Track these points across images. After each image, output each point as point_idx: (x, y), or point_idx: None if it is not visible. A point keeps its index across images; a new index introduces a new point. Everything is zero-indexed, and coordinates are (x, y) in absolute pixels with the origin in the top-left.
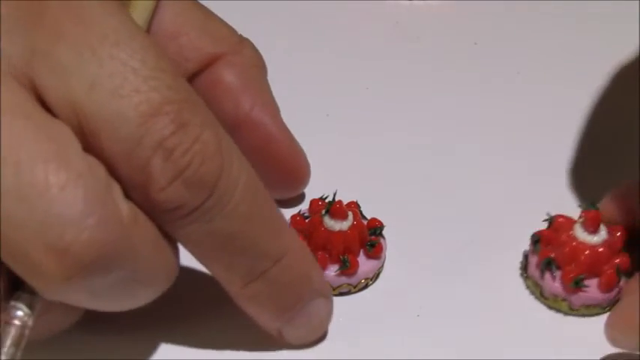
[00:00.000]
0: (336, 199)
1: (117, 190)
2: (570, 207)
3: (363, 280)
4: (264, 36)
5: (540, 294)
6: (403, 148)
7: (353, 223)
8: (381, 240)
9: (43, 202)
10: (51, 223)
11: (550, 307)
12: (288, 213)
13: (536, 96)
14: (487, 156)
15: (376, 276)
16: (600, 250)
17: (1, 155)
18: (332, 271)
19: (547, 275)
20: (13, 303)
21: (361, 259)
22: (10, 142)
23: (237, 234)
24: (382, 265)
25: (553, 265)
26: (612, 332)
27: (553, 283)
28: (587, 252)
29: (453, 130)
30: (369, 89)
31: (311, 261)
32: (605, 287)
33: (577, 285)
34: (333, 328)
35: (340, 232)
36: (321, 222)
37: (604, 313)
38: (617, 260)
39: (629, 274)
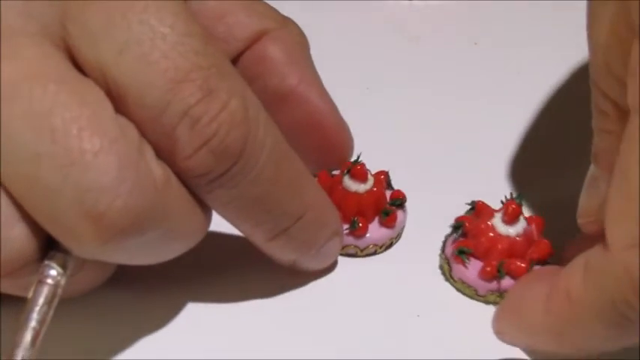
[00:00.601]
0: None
1: (149, 152)
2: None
3: (371, 246)
4: None
5: (450, 275)
6: (402, 150)
7: (372, 189)
8: (399, 212)
9: (77, 170)
10: (86, 190)
11: (457, 290)
12: None
13: (536, 96)
14: (486, 156)
15: (388, 246)
16: (517, 241)
17: (36, 122)
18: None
19: (460, 261)
20: (47, 262)
21: (373, 225)
22: (45, 108)
23: (262, 197)
24: (397, 237)
25: (465, 253)
26: (498, 325)
27: (464, 270)
28: (503, 243)
29: (452, 131)
30: (368, 89)
31: (331, 210)
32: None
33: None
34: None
35: (356, 193)
36: (341, 181)
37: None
38: (533, 253)
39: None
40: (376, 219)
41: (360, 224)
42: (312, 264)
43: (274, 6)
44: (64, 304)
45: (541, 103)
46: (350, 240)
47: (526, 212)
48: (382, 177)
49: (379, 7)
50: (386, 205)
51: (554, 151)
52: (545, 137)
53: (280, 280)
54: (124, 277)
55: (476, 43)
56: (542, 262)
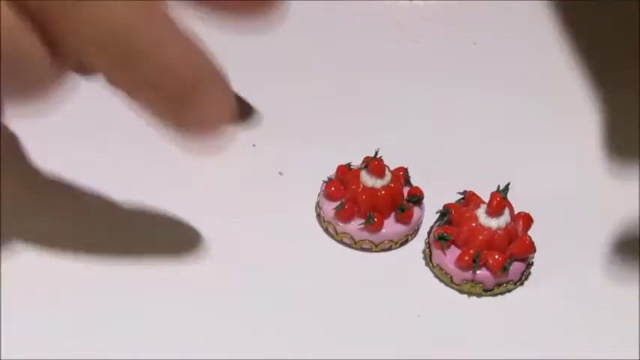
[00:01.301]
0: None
1: None
2: None
3: (386, 242)
4: (265, 37)
5: (430, 260)
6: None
7: (389, 185)
8: (416, 208)
9: None
10: None
11: (435, 276)
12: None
13: (536, 96)
14: (486, 155)
15: (403, 242)
16: (497, 234)
17: None
18: (357, 224)
19: (439, 246)
20: None
21: (389, 221)
22: None
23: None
24: (414, 233)
25: (445, 240)
26: None
27: (443, 256)
28: (483, 234)
29: (452, 130)
30: (369, 89)
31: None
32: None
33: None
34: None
35: (372, 188)
36: (358, 175)
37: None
38: (513, 249)
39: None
40: (392, 215)
41: (376, 219)
42: (193, 124)
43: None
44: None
45: (541, 102)
46: (365, 235)
47: (520, 207)
48: (401, 173)
49: (379, 7)
50: (403, 201)
51: (554, 147)
52: (545, 135)
53: (282, 269)
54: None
55: (475, 43)
56: (522, 258)
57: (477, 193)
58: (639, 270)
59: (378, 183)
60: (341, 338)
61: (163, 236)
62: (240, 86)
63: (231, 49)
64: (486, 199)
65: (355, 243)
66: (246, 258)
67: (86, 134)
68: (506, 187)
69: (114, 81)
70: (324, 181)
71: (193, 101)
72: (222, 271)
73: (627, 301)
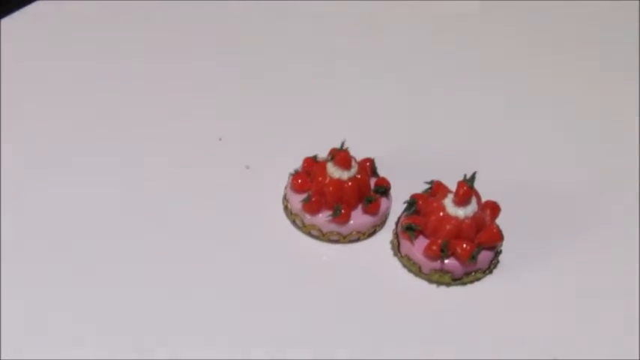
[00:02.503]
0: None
1: None
2: None
3: (354, 233)
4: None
5: (398, 250)
6: (366, 140)
7: (355, 176)
8: (383, 199)
9: None
10: None
11: (403, 266)
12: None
13: (501, 86)
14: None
15: (371, 233)
16: (465, 223)
17: None
18: (324, 216)
19: (407, 236)
20: None
21: (357, 212)
22: None
23: None
24: (381, 224)
25: (413, 230)
26: None
27: (411, 246)
28: (451, 223)
29: (418, 120)
30: (335, 81)
31: None
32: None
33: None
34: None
35: (339, 180)
36: (325, 167)
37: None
38: (481, 237)
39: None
40: (360, 206)
41: (343, 211)
42: None
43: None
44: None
45: (508, 89)
46: (333, 226)
47: (488, 196)
48: (367, 164)
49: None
50: (370, 192)
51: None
52: (513, 122)
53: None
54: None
55: (451, 38)
56: (490, 247)
57: (444, 182)
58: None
59: (344, 174)
60: (311, 329)
61: (129, 231)
62: (207, 80)
63: (195, 39)
64: (453, 188)
65: (323, 235)
66: (213, 252)
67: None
68: (473, 176)
69: None
70: (291, 174)
71: None
72: (189, 266)
73: (594, 287)
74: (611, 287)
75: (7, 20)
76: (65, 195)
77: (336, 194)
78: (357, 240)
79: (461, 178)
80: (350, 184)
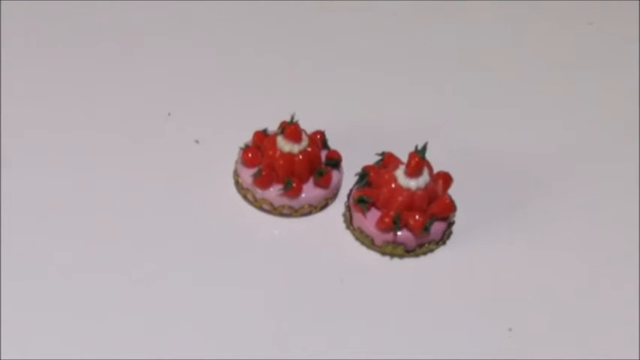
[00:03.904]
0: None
1: None
2: None
3: (306, 206)
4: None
5: (350, 223)
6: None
7: (306, 149)
8: (334, 172)
9: None
10: None
11: (356, 239)
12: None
13: (456, 54)
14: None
15: (323, 206)
16: (417, 194)
17: None
18: (276, 190)
19: (359, 209)
20: None
21: (308, 185)
22: None
23: None
24: (333, 197)
25: (365, 202)
26: None
27: (363, 219)
28: (403, 195)
29: (369, 91)
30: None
31: None
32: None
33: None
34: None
35: (290, 153)
36: (275, 141)
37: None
38: (434, 208)
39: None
40: (311, 179)
41: (294, 184)
42: None
43: None
44: None
45: (461, 59)
46: (284, 201)
47: (440, 167)
48: (318, 137)
49: None
50: (321, 165)
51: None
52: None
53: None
54: None
55: (395, 14)
56: (442, 218)
57: (395, 154)
58: None
59: (295, 148)
60: (264, 304)
61: (77, 208)
62: (156, 55)
63: (144, 14)
64: (405, 159)
65: (275, 209)
66: (163, 227)
67: None
68: (424, 147)
69: None
70: (241, 148)
71: None
72: (138, 241)
73: (547, 257)
74: (563, 255)
75: None
76: (15, 174)
77: (286, 168)
78: (309, 213)
79: (412, 149)
80: (301, 157)
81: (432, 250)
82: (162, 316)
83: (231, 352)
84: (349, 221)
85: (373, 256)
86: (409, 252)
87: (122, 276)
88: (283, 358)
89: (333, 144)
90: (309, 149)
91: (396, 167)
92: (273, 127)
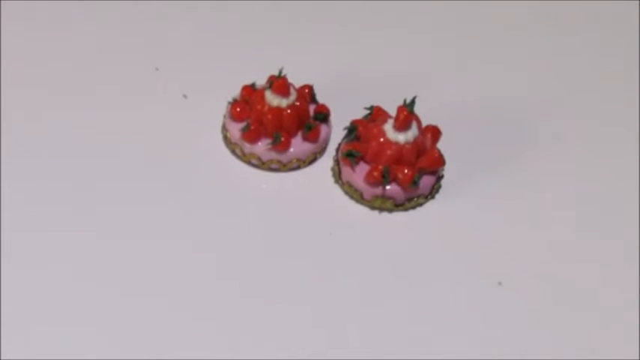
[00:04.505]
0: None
1: None
2: None
3: (295, 161)
4: None
5: (339, 177)
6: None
7: (294, 103)
8: (323, 126)
9: None
10: None
11: (345, 193)
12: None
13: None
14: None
15: (311, 160)
16: (405, 148)
17: None
18: (264, 144)
19: (347, 163)
20: None
21: (296, 139)
22: None
23: None
24: (322, 151)
25: (353, 156)
26: None
27: (352, 173)
28: (392, 149)
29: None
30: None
31: None
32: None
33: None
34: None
35: (278, 108)
36: (263, 95)
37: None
38: (422, 162)
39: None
40: (299, 133)
41: (283, 139)
42: None
43: None
44: None
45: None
46: (272, 155)
47: (428, 120)
48: (306, 91)
49: None
50: (309, 119)
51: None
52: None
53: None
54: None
55: None
56: (431, 171)
57: (384, 107)
58: None
59: (283, 102)
60: (252, 259)
61: (67, 166)
62: (143, 9)
63: None
64: (393, 113)
65: (263, 164)
66: (152, 183)
67: None
68: (413, 101)
69: None
70: (229, 102)
71: None
72: (130, 198)
73: (537, 210)
74: (553, 209)
75: None
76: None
77: (275, 122)
78: (298, 168)
79: (401, 103)
80: (289, 111)
81: (420, 204)
82: (147, 269)
83: (220, 303)
84: (338, 175)
85: (362, 210)
86: (398, 206)
87: (109, 231)
88: (269, 312)
89: (321, 98)
90: (298, 103)
91: (384, 121)
92: (261, 81)
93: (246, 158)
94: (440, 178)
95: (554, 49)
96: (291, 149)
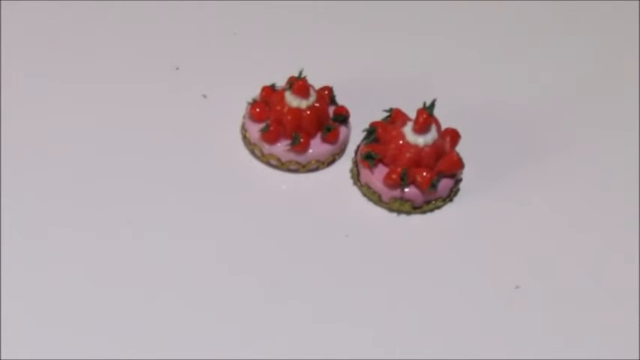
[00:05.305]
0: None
1: None
2: None
3: (313, 162)
4: None
5: (357, 179)
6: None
7: (314, 105)
8: (342, 128)
9: None
10: None
11: (363, 195)
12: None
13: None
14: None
15: (330, 162)
16: (424, 151)
17: None
18: (283, 145)
19: (366, 165)
20: None
21: (315, 141)
22: None
23: None
24: (340, 153)
25: (372, 158)
26: None
27: (370, 175)
28: (411, 152)
29: (378, 47)
30: (291, 8)
31: None
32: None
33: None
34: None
35: (297, 109)
36: (283, 96)
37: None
38: (441, 165)
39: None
40: (318, 135)
41: (302, 140)
42: None
43: None
44: None
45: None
46: (291, 156)
47: (447, 123)
48: (326, 92)
49: None
50: (329, 120)
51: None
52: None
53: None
54: None
55: None
56: (450, 174)
57: (404, 110)
58: None
59: (303, 103)
60: (270, 259)
61: (88, 164)
62: (163, 8)
63: None
64: (413, 116)
65: (282, 164)
66: (171, 182)
67: None
68: (432, 104)
69: None
70: (249, 103)
71: None
72: (147, 196)
73: (557, 213)
74: (575, 211)
75: None
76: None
77: (294, 123)
78: (317, 169)
79: (420, 106)
80: (308, 112)
81: (439, 207)
82: (166, 269)
83: (236, 303)
84: (356, 177)
85: (380, 213)
86: (416, 208)
87: (127, 230)
88: (284, 313)
89: (340, 100)
90: (317, 105)
91: (403, 123)
92: (281, 82)
93: (265, 159)
94: (458, 181)
95: (575, 52)
96: (310, 150)
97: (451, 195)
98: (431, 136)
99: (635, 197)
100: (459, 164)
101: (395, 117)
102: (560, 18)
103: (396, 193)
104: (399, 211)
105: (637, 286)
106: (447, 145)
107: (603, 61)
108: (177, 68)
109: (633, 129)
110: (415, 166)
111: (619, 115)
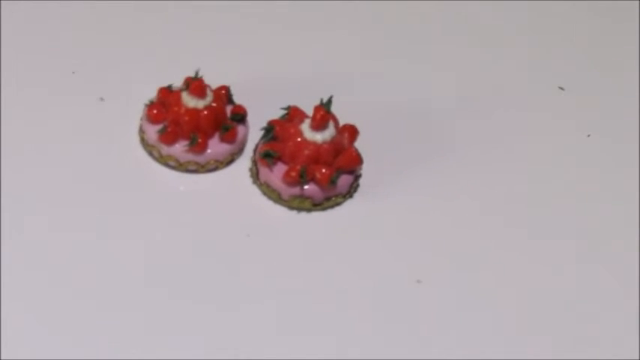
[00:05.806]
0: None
1: None
2: None
3: (212, 162)
4: None
5: (257, 178)
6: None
7: (211, 105)
8: (240, 127)
9: None
10: None
11: (263, 194)
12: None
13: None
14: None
15: (229, 161)
16: (323, 148)
17: None
18: (181, 146)
19: (265, 163)
20: None
21: (214, 140)
22: None
23: None
24: (239, 152)
25: (271, 156)
26: None
27: (269, 173)
28: (309, 149)
29: (273, 45)
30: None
31: None
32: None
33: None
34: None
35: (194, 109)
36: (180, 97)
37: (306, 207)
38: (340, 161)
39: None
40: (217, 134)
41: (200, 140)
42: None
43: None
44: None
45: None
46: (190, 156)
47: (345, 119)
48: (223, 92)
49: None
50: (226, 120)
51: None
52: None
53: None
54: None
55: None
56: (349, 170)
57: (301, 107)
58: None
59: (200, 103)
60: (171, 260)
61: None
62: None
63: None
64: (310, 113)
65: (180, 165)
66: (70, 186)
67: None
68: (330, 100)
69: None
70: (146, 105)
71: None
72: (47, 200)
73: (453, 209)
74: (470, 206)
75: None
76: None
77: (192, 123)
78: (216, 169)
79: (317, 103)
80: (206, 112)
81: (339, 204)
82: (66, 271)
83: (145, 304)
84: (256, 176)
85: (280, 211)
86: (316, 205)
87: (29, 235)
88: (189, 311)
89: (238, 99)
90: (214, 104)
91: (301, 121)
92: (177, 83)
93: (163, 160)
94: (358, 177)
95: (468, 48)
96: (209, 150)
97: (351, 191)
98: (329, 132)
99: (530, 184)
100: (358, 160)
101: (292, 114)
102: (457, 16)
103: (296, 190)
104: (299, 209)
105: (544, 266)
106: (346, 141)
107: (504, 59)
108: (74, 72)
109: (526, 125)
110: (314, 163)
111: (516, 113)
